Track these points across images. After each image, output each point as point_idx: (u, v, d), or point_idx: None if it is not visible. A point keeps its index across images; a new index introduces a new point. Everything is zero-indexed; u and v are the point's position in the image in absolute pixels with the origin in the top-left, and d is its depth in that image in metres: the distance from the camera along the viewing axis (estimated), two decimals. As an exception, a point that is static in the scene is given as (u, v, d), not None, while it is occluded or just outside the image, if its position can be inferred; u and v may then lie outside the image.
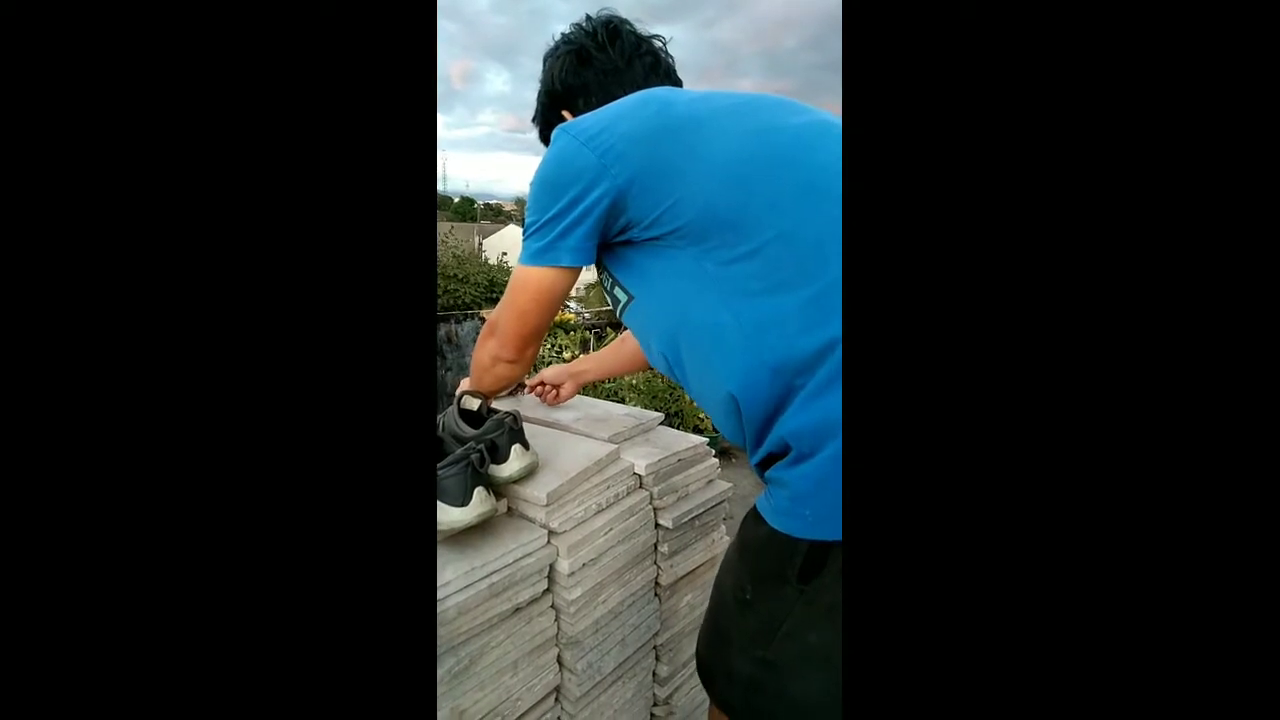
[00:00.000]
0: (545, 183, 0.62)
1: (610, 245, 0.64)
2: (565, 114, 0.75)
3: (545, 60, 0.78)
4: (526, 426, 0.79)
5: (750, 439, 0.61)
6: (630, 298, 0.65)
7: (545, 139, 0.77)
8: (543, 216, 0.62)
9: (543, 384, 1.03)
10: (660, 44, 0.78)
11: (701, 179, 0.58)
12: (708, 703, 1.01)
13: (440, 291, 6.56)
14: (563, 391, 1.02)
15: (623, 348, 1.02)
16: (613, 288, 0.67)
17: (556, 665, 0.79)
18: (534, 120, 0.81)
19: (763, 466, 0.61)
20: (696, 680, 1.01)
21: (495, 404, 0.82)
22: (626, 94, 0.65)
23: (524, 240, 0.65)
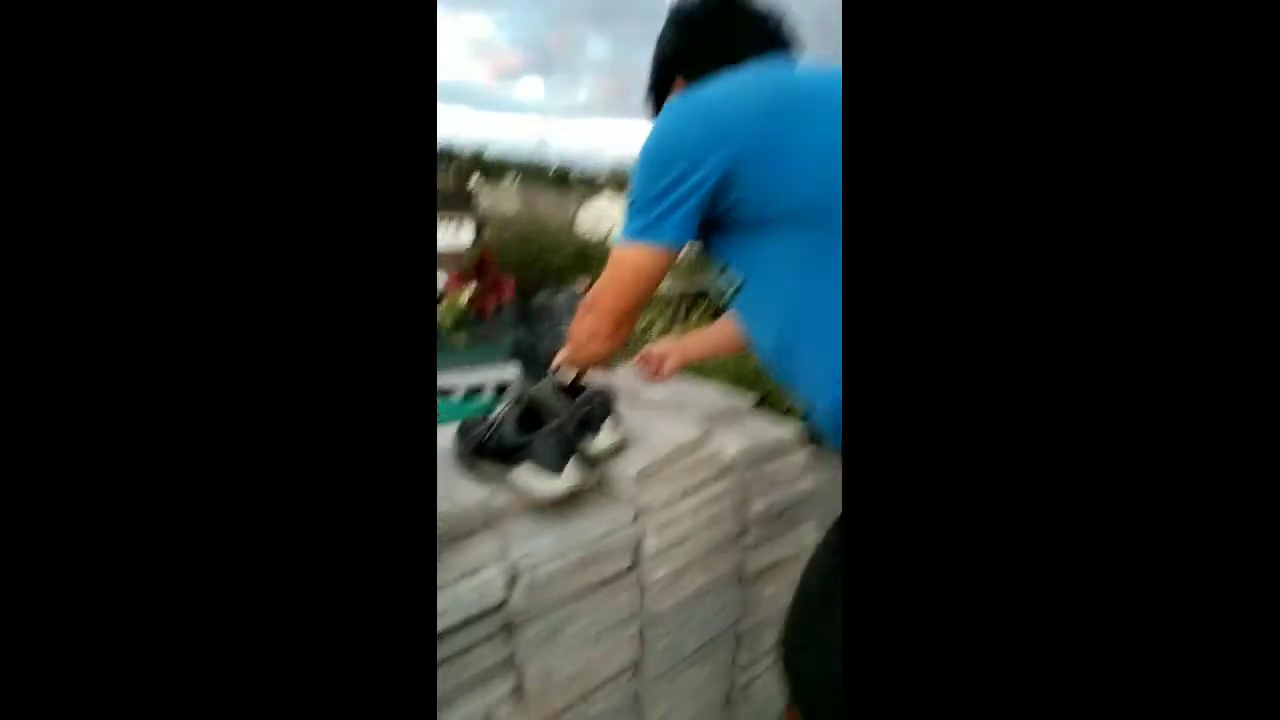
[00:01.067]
0: (651, 157, 0.60)
1: (718, 224, 0.61)
2: (677, 85, 0.72)
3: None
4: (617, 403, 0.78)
5: None
6: (742, 282, 0.62)
7: (657, 112, 0.74)
8: (647, 192, 0.60)
9: (649, 357, 1.03)
10: (780, 11, 0.73)
11: (813, 160, 0.55)
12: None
13: (532, 260, 6.76)
14: (666, 367, 1.01)
15: (727, 328, 0.99)
16: (722, 271, 0.64)
17: (637, 640, 0.79)
18: (647, 94, 0.78)
19: None
20: (775, 671, 1.00)
21: (589, 378, 0.82)
22: (741, 65, 0.61)
23: (626, 216, 0.64)
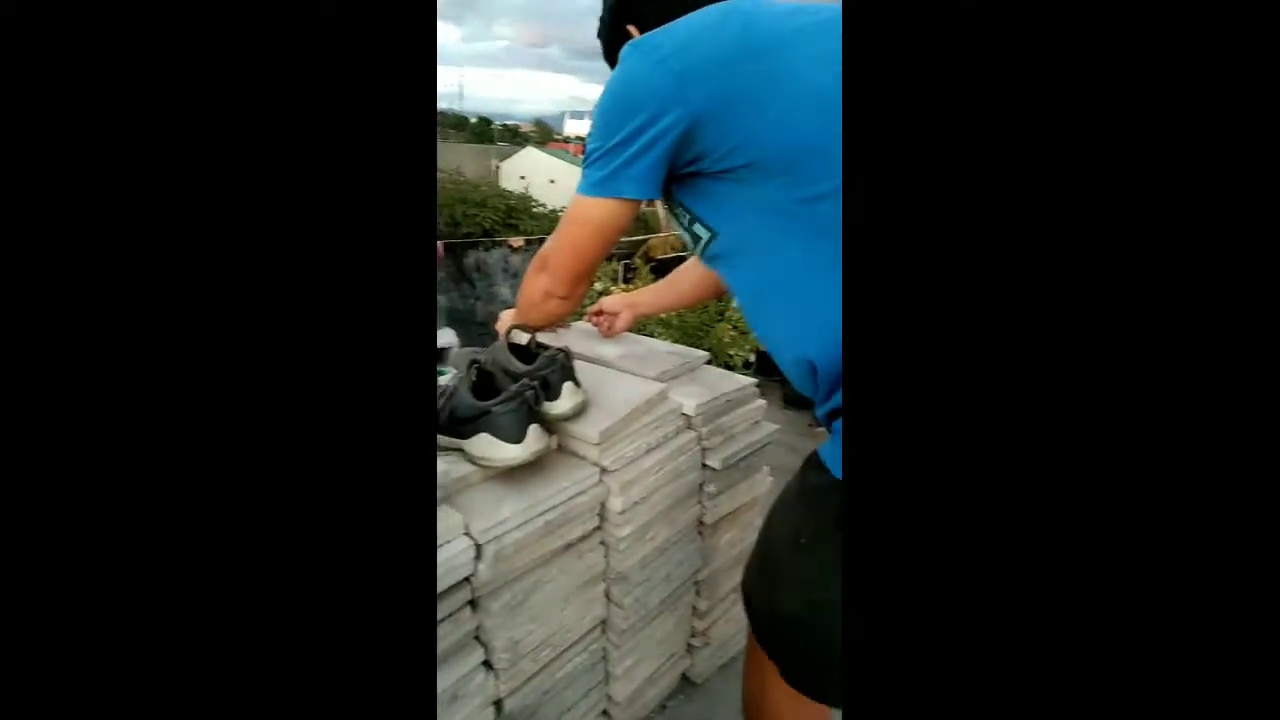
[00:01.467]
0: (611, 106, 0.57)
1: (683, 177, 0.59)
2: (632, 29, 0.68)
3: None
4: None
5: (822, 392, 0.58)
6: (712, 235, 0.61)
7: (611, 59, 0.69)
8: (606, 143, 0.57)
9: (601, 313, 1.01)
10: None
11: (781, 108, 0.53)
12: (741, 634, 1.04)
13: (461, 217, 6.41)
14: (618, 322, 1.00)
15: (678, 283, 0.98)
16: (690, 224, 0.62)
17: (604, 599, 0.80)
18: (598, 36, 0.73)
19: (831, 417, 0.58)
20: (733, 613, 1.04)
21: (541, 338, 0.79)
22: (695, 6, 0.58)
23: (584, 168, 0.60)
